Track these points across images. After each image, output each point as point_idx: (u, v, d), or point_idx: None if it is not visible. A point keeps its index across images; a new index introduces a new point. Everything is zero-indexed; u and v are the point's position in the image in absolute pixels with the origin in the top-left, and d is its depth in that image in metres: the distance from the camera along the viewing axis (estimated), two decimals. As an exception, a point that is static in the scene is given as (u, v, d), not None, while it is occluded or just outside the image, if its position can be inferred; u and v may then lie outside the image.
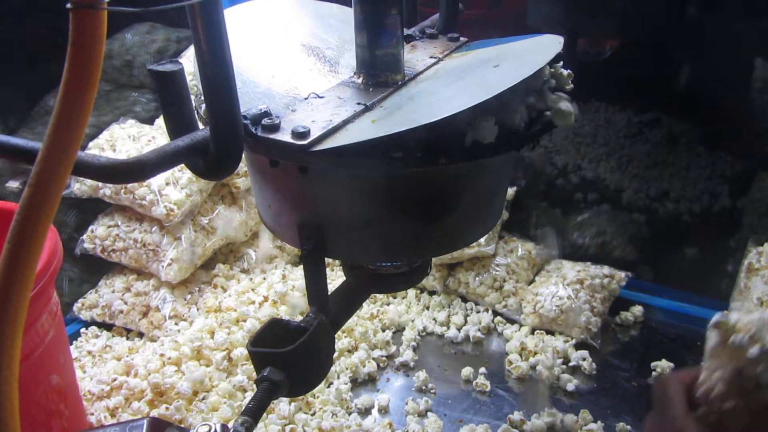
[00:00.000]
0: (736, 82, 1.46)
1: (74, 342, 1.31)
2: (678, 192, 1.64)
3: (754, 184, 1.54)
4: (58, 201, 0.42)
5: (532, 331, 1.33)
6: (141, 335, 1.33)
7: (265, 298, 1.31)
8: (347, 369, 1.22)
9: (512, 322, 1.37)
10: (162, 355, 1.18)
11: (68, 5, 0.39)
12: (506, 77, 0.58)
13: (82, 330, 1.34)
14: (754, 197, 1.51)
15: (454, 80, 0.69)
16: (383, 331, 1.32)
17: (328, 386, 1.18)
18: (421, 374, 1.22)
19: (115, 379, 1.14)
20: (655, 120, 1.78)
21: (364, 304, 1.31)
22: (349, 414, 1.15)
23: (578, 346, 1.28)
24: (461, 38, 0.86)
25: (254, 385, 0.92)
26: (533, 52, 0.69)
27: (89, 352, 1.26)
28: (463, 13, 0.91)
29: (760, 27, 1.36)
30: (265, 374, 0.64)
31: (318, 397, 1.14)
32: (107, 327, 1.36)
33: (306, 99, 0.66)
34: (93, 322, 1.36)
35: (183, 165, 0.57)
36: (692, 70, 1.51)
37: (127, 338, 1.33)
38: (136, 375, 1.16)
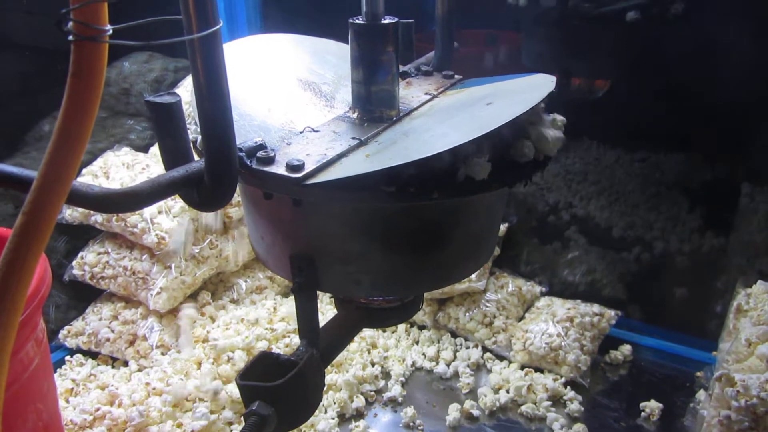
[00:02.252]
0: (728, 123, 1.48)
1: (58, 370, 1.29)
2: (668, 231, 1.65)
3: (742, 225, 1.55)
4: (50, 230, 0.42)
5: (522, 368, 1.32)
6: (126, 364, 1.31)
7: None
8: (335, 403, 1.21)
9: (502, 358, 1.37)
10: (147, 384, 1.16)
11: (70, 37, 0.40)
12: (499, 115, 0.59)
13: (67, 358, 1.32)
14: (742, 239, 1.53)
15: (448, 117, 0.70)
16: (372, 365, 1.31)
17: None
18: (409, 410, 1.20)
19: (98, 409, 1.12)
20: (645, 159, 1.80)
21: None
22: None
23: (567, 385, 1.27)
24: (456, 76, 0.87)
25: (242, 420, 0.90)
26: (526, 91, 0.70)
27: (73, 381, 1.24)
28: (458, 51, 0.93)
29: (749, 69, 1.38)
30: (253, 408, 0.63)
31: None
32: (93, 355, 1.34)
33: (301, 133, 0.67)
34: (78, 350, 1.34)
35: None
36: (683, 110, 1.54)
37: (113, 367, 1.32)
38: (120, 405, 1.14)
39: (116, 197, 0.49)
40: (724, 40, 1.36)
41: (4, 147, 1.48)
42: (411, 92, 0.80)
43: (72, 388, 1.21)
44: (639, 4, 1.41)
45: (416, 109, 0.75)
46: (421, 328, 1.46)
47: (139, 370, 1.26)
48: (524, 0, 1.53)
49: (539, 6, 1.55)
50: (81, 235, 1.41)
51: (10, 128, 1.50)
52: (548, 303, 1.46)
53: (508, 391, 1.26)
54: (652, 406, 1.22)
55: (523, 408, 1.22)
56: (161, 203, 1.31)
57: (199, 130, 0.54)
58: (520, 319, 1.44)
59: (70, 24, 0.40)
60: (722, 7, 1.35)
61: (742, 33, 1.34)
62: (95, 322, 1.33)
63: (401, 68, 0.86)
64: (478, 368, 1.35)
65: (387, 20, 0.69)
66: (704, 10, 1.38)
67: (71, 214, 1.34)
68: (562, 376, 1.29)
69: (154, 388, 1.16)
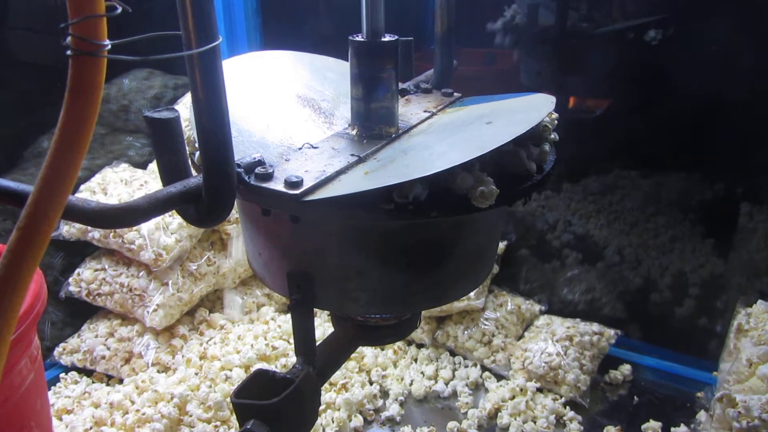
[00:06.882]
0: (728, 142, 1.49)
1: (53, 387, 1.27)
2: (668, 250, 1.64)
3: (742, 245, 1.55)
4: (45, 245, 0.42)
5: (521, 388, 1.31)
6: (121, 382, 1.30)
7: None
8: (333, 422, 1.19)
9: (500, 377, 1.36)
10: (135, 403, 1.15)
11: (68, 52, 0.39)
12: (499, 134, 0.59)
13: (62, 375, 1.31)
14: (742, 258, 1.52)
15: (447, 135, 0.70)
16: (370, 384, 1.30)
17: (312, 440, 1.15)
18: (407, 429, 1.19)
19: (91, 428, 1.11)
20: (644, 177, 1.80)
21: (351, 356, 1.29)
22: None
23: (567, 405, 1.26)
24: (455, 93, 0.87)
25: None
26: (526, 111, 0.70)
27: (68, 398, 1.23)
28: (457, 69, 0.93)
29: (750, 89, 1.39)
30: (248, 427, 0.63)
31: (301, 451, 1.12)
32: (88, 373, 1.33)
33: (300, 149, 0.67)
34: (73, 368, 1.33)
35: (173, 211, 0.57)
36: (683, 129, 1.54)
37: (108, 384, 1.30)
38: (114, 424, 1.13)
39: (113, 212, 0.49)
40: (725, 60, 1.37)
41: (2, 163, 1.48)
42: (410, 109, 0.80)
43: (66, 407, 1.20)
44: (638, 25, 1.42)
45: (415, 126, 0.75)
46: (420, 346, 1.45)
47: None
48: (522, 19, 1.54)
49: (538, 25, 1.56)
50: (78, 252, 1.40)
51: (9, 144, 1.50)
52: (547, 322, 1.46)
53: (506, 411, 1.24)
54: (653, 427, 1.20)
55: (522, 428, 1.21)
56: (159, 219, 1.31)
57: (197, 145, 0.54)
58: (519, 337, 1.43)
59: (69, 39, 0.40)
60: (725, 26, 1.35)
61: (744, 53, 1.35)
62: (91, 340, 1.32)
63: (400, 85, 0.86)
64: (477, 387, 1.34)
65: (387, 38, 0.69)
66: (707, 31, 1.39)
67: (68, 230, 1.34)
68: (561, 396, 1.27)
69: (148, 407, 1.14)
